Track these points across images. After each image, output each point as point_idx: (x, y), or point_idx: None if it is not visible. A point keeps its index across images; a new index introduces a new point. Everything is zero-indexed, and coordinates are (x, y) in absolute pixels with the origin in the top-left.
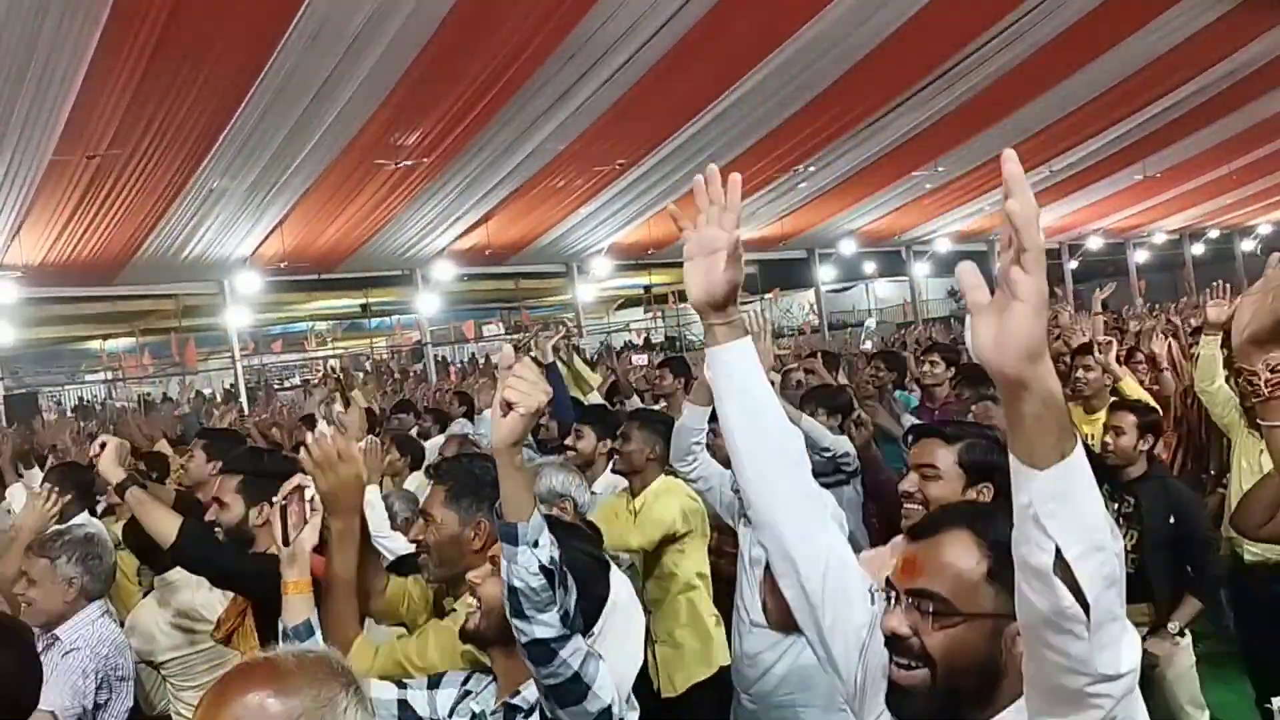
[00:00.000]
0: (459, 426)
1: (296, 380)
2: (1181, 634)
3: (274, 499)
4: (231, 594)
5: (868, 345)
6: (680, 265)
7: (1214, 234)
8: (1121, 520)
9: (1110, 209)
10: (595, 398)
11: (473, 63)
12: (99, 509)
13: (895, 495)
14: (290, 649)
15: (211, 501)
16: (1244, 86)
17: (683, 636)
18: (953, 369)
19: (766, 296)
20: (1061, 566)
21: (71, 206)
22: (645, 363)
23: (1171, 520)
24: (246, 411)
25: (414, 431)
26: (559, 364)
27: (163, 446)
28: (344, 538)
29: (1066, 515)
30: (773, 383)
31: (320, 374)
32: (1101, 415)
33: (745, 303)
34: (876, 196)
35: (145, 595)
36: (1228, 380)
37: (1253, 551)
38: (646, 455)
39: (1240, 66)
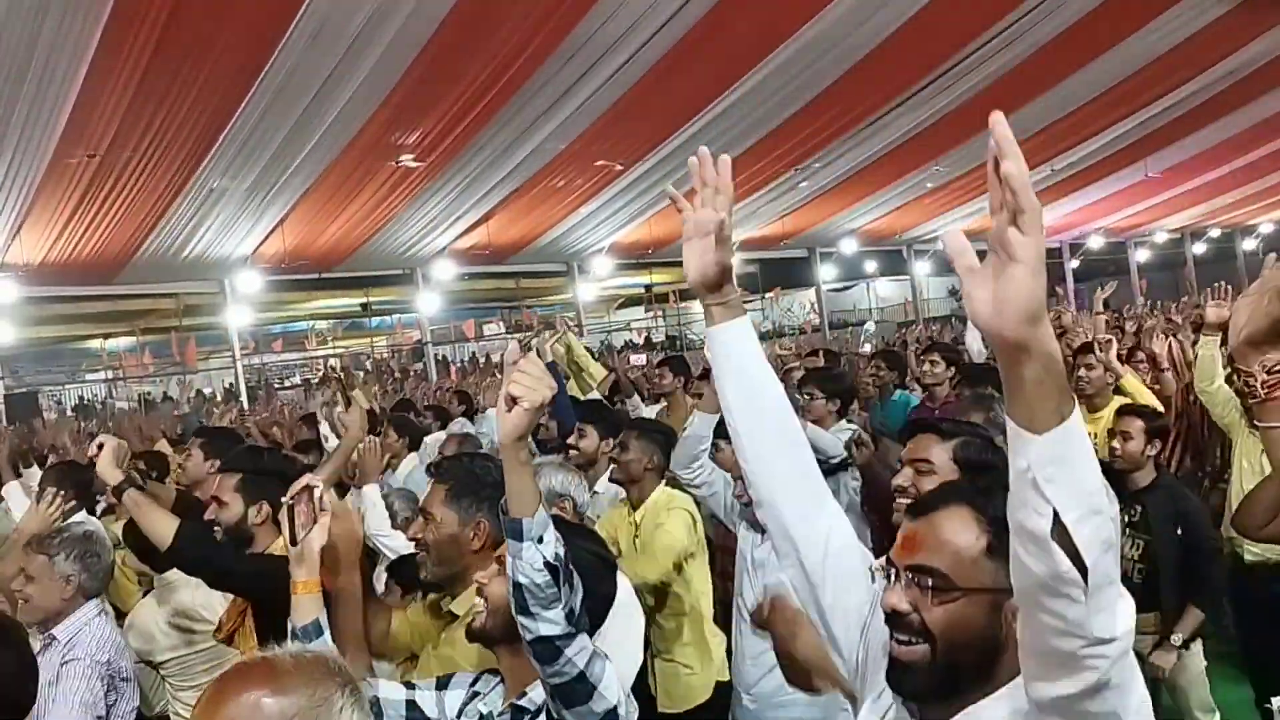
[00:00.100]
0: (459, 425)
1: (297, 379)
2: (1189, 643)
3: (282, 499)
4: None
5: (867, 348)
6: (680, 265)
7: (1215, 233)
8: (1129, 529)
9: (1111, 208)
10: (596, 395)
11: (473, 62)
12: (99, 509)
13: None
14: (288, 649)
15: (211, 500)
16: (1245, 86)
17: (684, 656)
18: (953, 369)
19: (767, 296)
20: (1059, 531)
21: (72, 206)
22: (643, 362)
23: (1179, 531)
24: (247, 410)
25: None
26: (560, 362)
27: (162, 446)
28: (345, 595)
29: (1065, 479)
30: None
31: (320, 373)
32: (1104, 414)
33: (746, 302)
34: (877, 196)
35: (145, 595)
36: (1228, 380)
37: (1253, 551)
38: (644, 465)
39: (1241, 66)
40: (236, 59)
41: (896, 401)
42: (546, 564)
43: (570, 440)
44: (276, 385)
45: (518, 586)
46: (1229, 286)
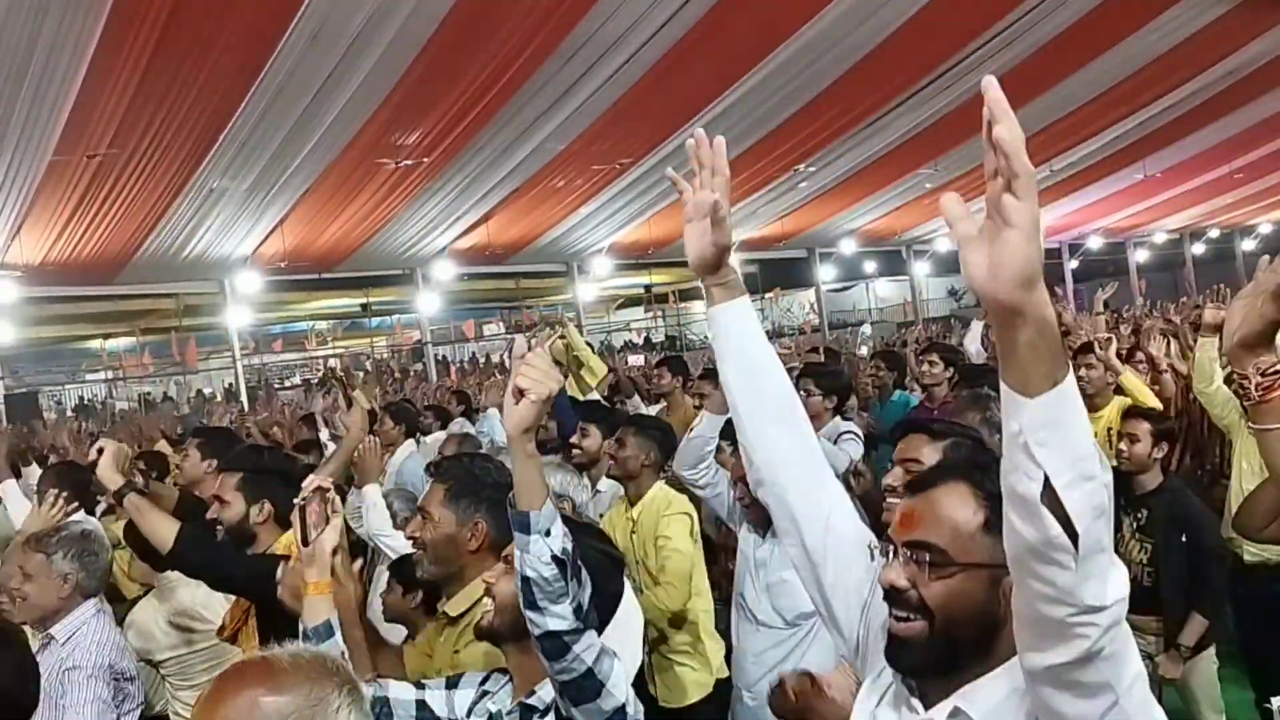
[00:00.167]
0: (458, 426)
1: (297, 380)
2: (1203, 647)
3: (280, 496)
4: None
5: (864, 350)
6: (680, 264)
7: (1214, 234)
8: (1137, 533)
9: (1110, 208)
10: (595, 395)
11: (473, 62)
12: (99, 509)
13: None
14: (287, 649)
15: (213, 499)
16: (1244, 86)
17: (683, 653)
18: (951, 369)
19: (767, 296)
20: (1050, 496)
21: (72, 206)
22: (641, 362)
23: (1183, 535)
24: (247, 410)
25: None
26: (561, 360)
27: (162, 446)
28: (352, 648)
29: (1057, 444)
30: None
31: (320, 374)
32: (1104, 413)
33: None
34: (876, 196)
35: (145, 594)
36: (1226, 381)
37: (1252, 552)
38: (642, 461)
39: (1240, 66)
40: (236, 59)
41: (896, 402)
42: (554, 558)
43: (574, 440)
44: (276, 385)
45: (525, 580)
46: (1228, 289)
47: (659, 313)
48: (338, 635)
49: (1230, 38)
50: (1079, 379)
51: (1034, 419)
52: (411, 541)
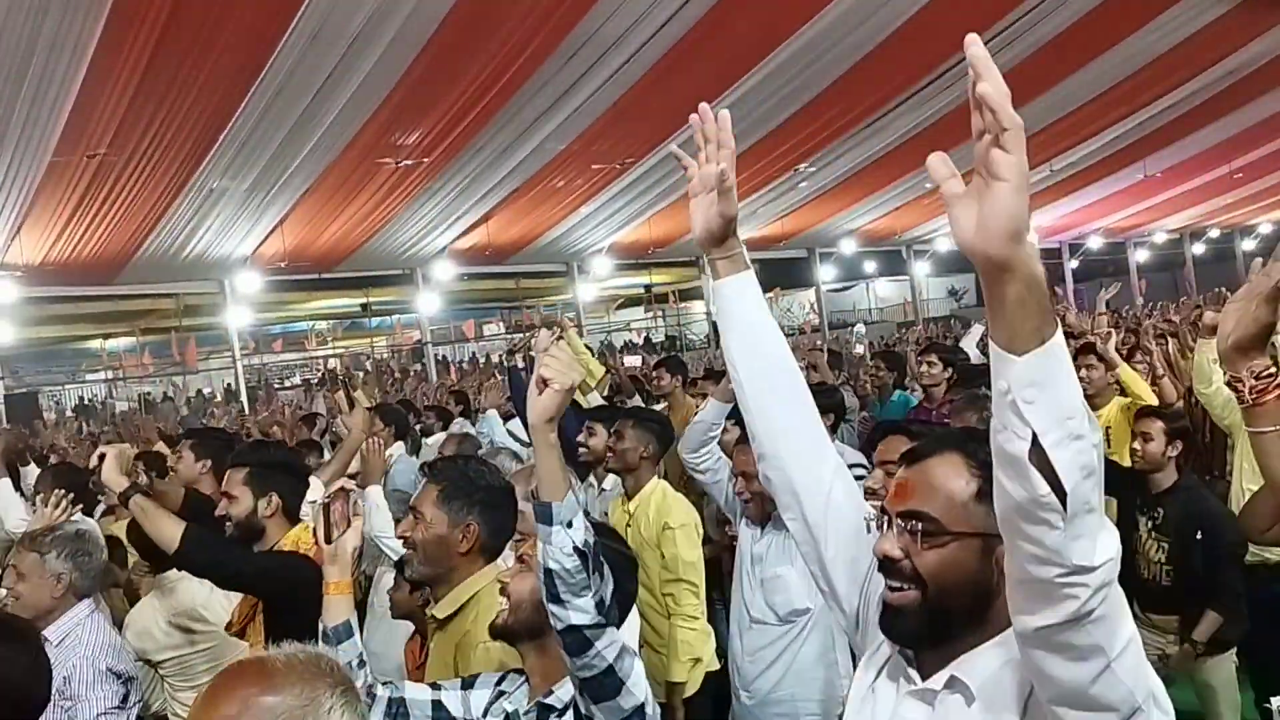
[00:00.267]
0: (458, 426)
1: (297, 380)
2: (1225, 646)
3: (288, 490)
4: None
5: (859, 349)
6: (680, 265)
7: (1214, 233)
8: (1154, 532)
9: (1111, 208)
10: (595, 398)
11: (473, 62)
12: (99, 510)
13: None
14: (285, 649)
15: (221, 496)
16: (1244, 86)
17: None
18: (950, 369)
19: (767, 296)
20: (1038, 454)
21: (72, 206)
22: (638, 363)
23: (1199, 534)
24: (247, 411)
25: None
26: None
27: (160, 447)
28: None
29: (1045, 402)
30: None
31: (320, 374)
32: (1103, 413)
33: None
34: (876, 196)
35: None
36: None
37: (1252, 552)
38: (640, 453)
39: (1240, 66)
40: (236, 59)
41: (895, 402)
42: (576, 549)
43: (579, 439)
44: (276, 386)
45: (548, 573)
46: (1229, 292)
47: (659, 313)
48: (357, 636)
49: (1230, 38)
50: (1079, 379)
51: (1022, 377)
52: (402, 541)
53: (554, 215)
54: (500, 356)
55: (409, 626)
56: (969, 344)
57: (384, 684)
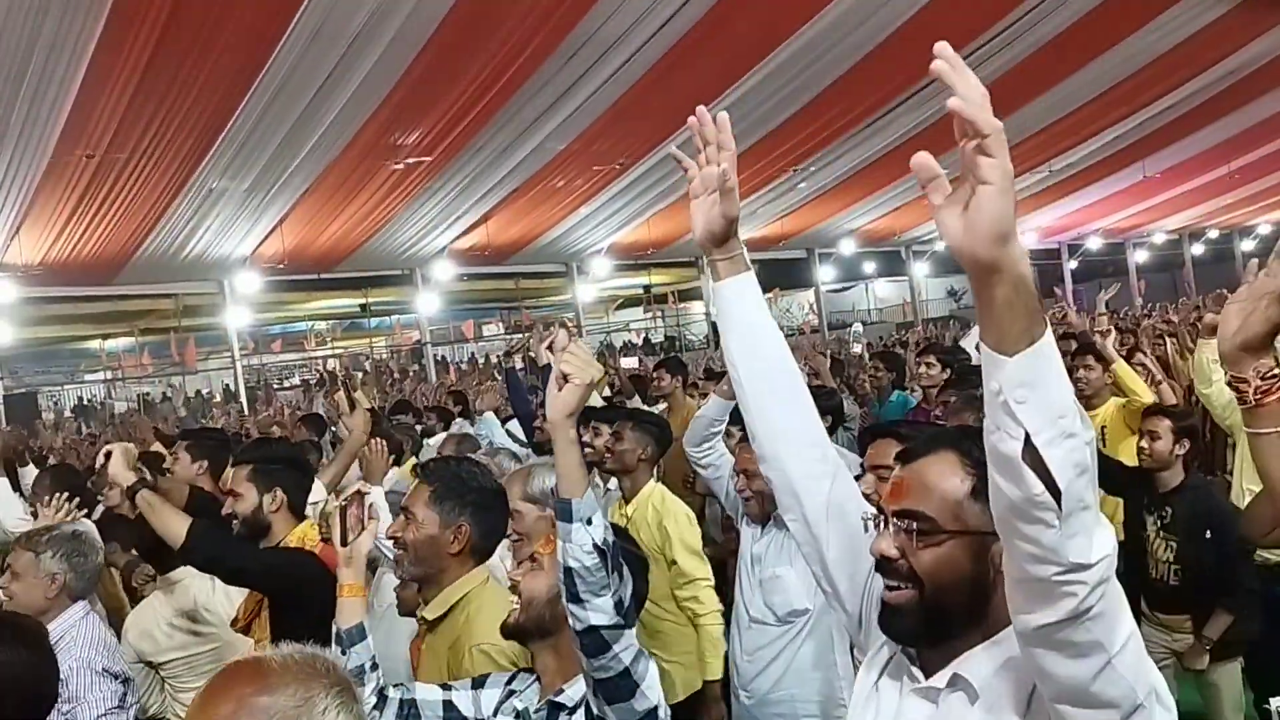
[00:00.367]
0: (458, 426)
1: (296, 380)
2: (1234, 645)
3: (290, 485)
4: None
5: (857, 348)
6: (680, 265)
7: (1213, 234)
8: (1162, 532)
9: (1110, 209)
10: (595, 399)
11: (473, 62)
12: (98, 511)
13: None
14: (283, 649)
15: (227, 494)
16: (1244, 86)
17: (674, 651)
18: (949, 370)
19: (766, 296)
20: (1031, 454)
21: (71, 206)
22: (635, 365)
23: (1208, 532)
24: (246, 411)
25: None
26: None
27: (156, 447)
28: None
29: (1036, 401)
30: None
31: (319, 374)
32: (1099, 413)
33: None
34: (876, 196)
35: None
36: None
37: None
38: (639, 455)
39: (1240, 66)
40: (236, 59)
41: (894, 402)
42: (596, 547)
43: (585, 438)
44: (276, 386)
45: (568, 571)
46: (1229, 293)
47: (658, 313)
48: (370, 639)
49: (1229, 38)
50: (1076, 380)
51: (1013, 377)
52: (393, 541)
53: (553, 215)
54: (498, 358)
55: (411, 625)
56: (969, 344)
57: (394, 686)
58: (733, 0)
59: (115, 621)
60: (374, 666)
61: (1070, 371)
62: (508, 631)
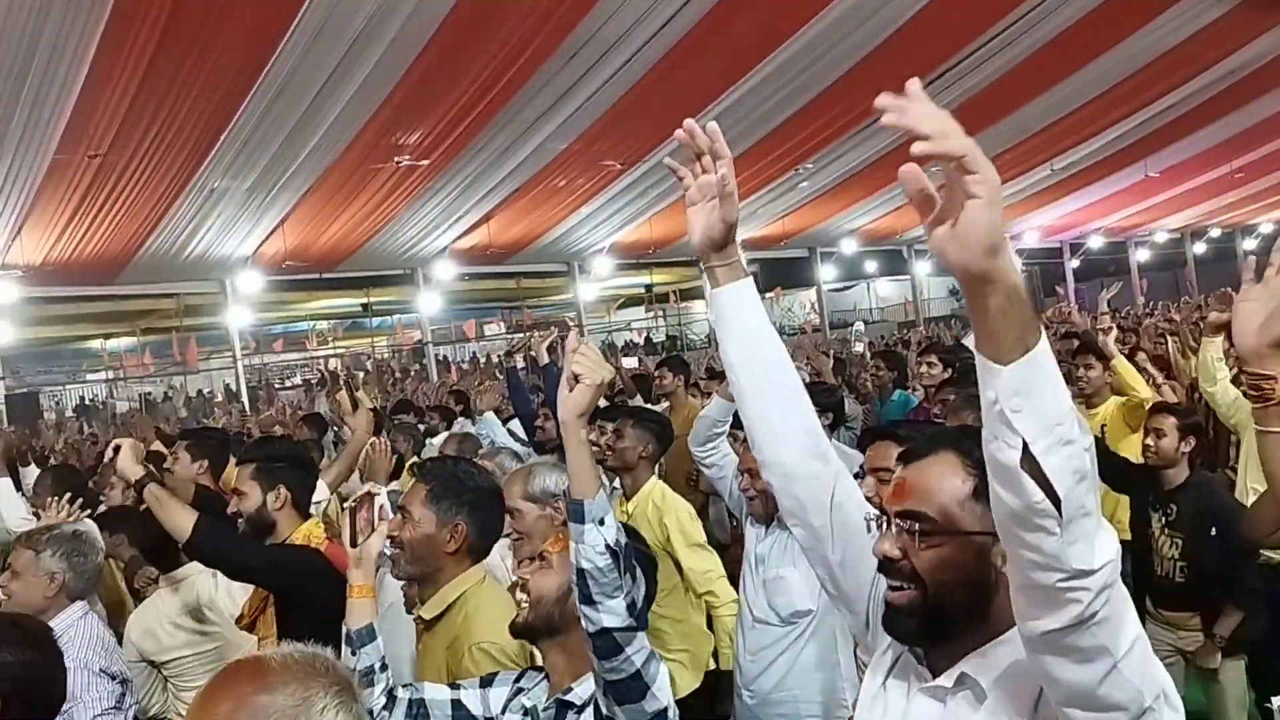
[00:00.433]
0: (459, 426)
1: (298, 380)
2: (1242, 643)
3: (295, 483)
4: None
5: (859, 346)
6: (681, 264)
7: (1215, 233)
8: (1167, 529)
9: (1111, 208)
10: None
11: (473, 62)
12: (99, 511)
13: None
14: (283, 649)
15: (232, 493)
16: (1245, 85)
17: (675, 648)
18: (950, 370)
19: (768, 296)
20: (1029, 462)
21: (73, 206)
22: (635, 365)
23: (1214, 530)
24: (247, 411)
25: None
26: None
27: (157, 447)
28: None
29: (1032, 410)
30: None
31: (320, 374)
32: (1099, 411)
33: None
34: (877, 195)
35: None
36: (1234, 381)
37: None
38: (639, 453)
39: (1241, 65)
40: (237, 59)
41: (896, 401)
42: (608, 547)
43: (591, 436)
44: (277, 386)
45: (581, 573)
46: (1234, 293)
47: (660, 312)
48: (380, 639)
49: (1231, 37)
50: (1077, 380)
51: (1008, 386)
52: (390, 540)
53: (555, 215)
54: (499, 357)
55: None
56: (971, 341)
57: (403, 686)
58: (733, 0)
59: (117, 617)
60: (384, 667)
61: (1070, 370)
62: (517, 630)
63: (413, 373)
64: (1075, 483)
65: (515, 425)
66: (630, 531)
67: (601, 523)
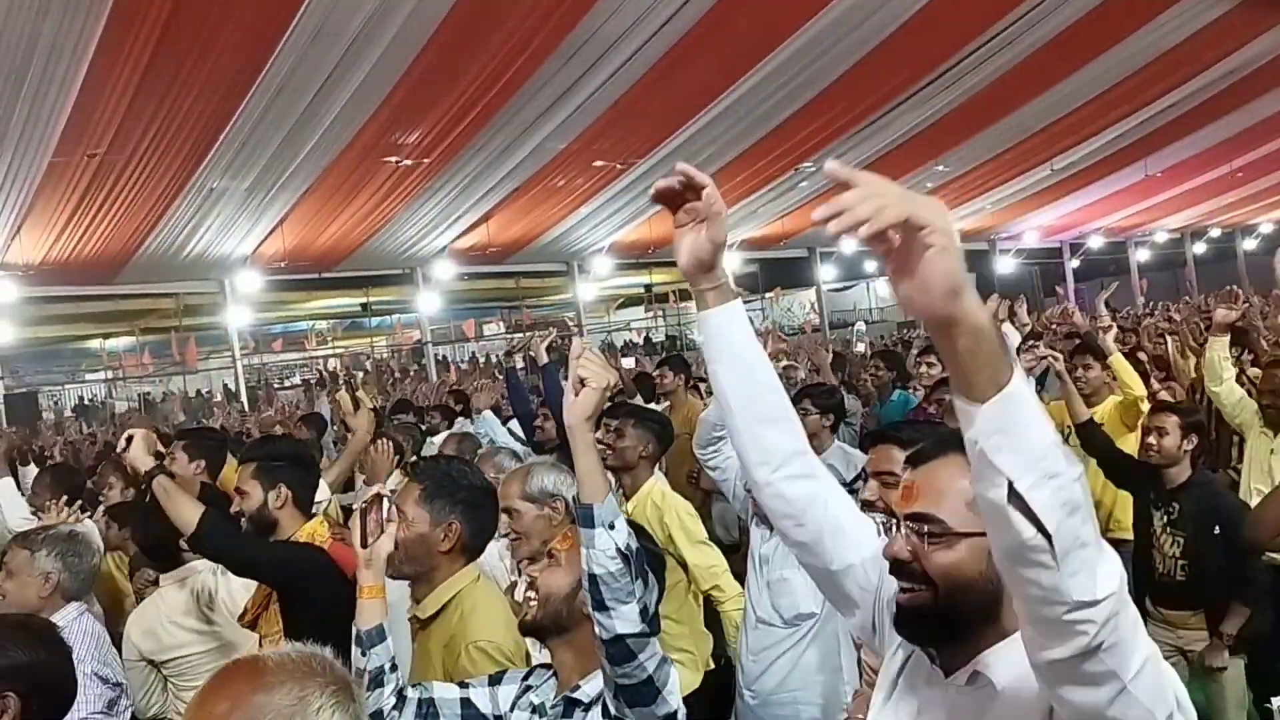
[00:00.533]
0: (460, 425)
1: (297, 379)
2: (1243, 646)
3: (298, 481)
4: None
5: (860, 346)
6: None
7: (1215, 233)
8: (1169, 527)
9: (1111, 208)
10: None
11: (473, 62)
12: (99, 511)
13: None
14: (279, 648)
15: (235, 493)
16: (1245, 85)
17: (670, 648)
18: None
19: (767, 296)
20: (1016, 499)
21: (72, 205)
22: (632, 365)
23: (1217, 528)
24: (247, 410)
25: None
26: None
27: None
28: None
29: (1013, 446)
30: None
31: (319, 374)
32: (1097, 411)
33: (747, 301)
34: None
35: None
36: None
37: None
38: (640, 453)
39: (1241, 65)
40: (236, 59)
41: (895, 401)
42: (619, 552)
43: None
44: (276, 385)
45: (593, 579)
46: (1240, 290)
47: (659, 312)
48: (390, 640)
49: (1231, 36)
50: (1075, 379)
51: (986, 425)
52: None
53: (554, 215)
54: (498, 357)
55: None
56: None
57: (413, 686)
58: (732, 0)
59: (116, 615)
60: (393, 668)
61: (1070, 370)
62: (525, 628)
63: (412, 373)
64: (1066, 515)
65: (515, 425)
66: (635, 527)
67: (612, 527)
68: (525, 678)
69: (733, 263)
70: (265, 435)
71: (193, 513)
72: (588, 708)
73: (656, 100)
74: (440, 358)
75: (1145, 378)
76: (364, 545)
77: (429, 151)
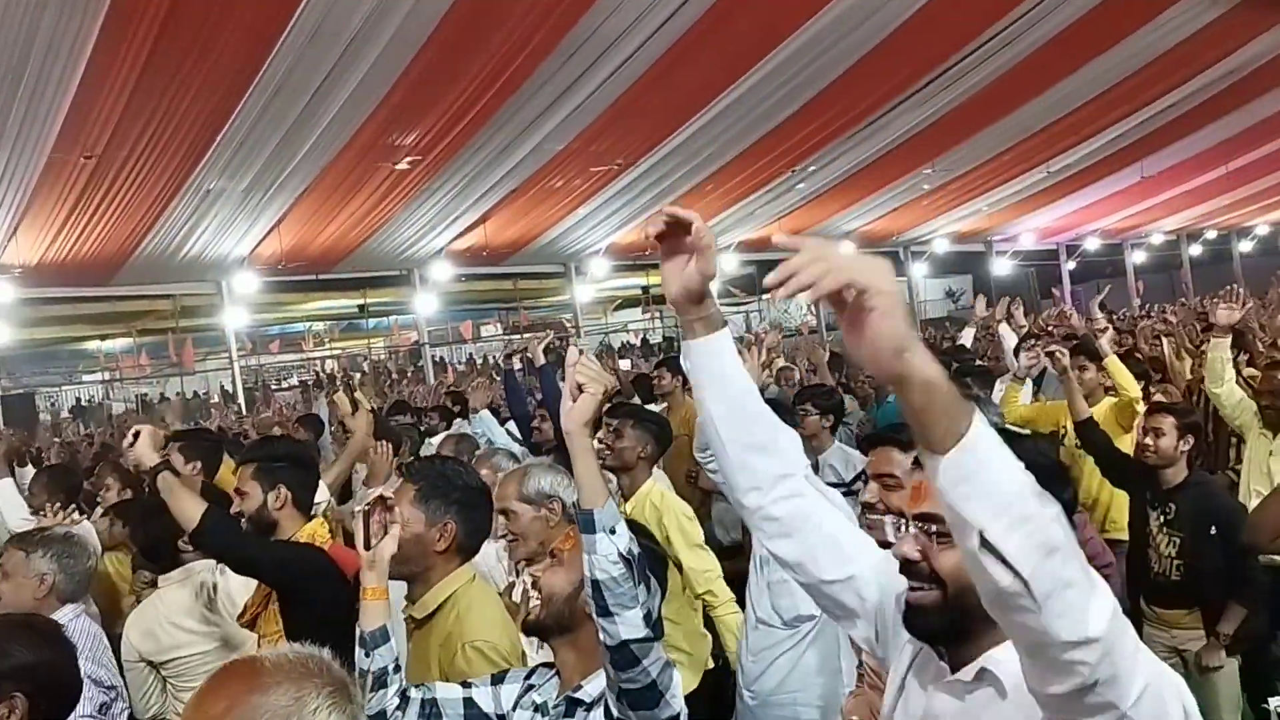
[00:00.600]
0: (458, 427)
1: (294, 380)
2: (1241, 645)
3: (298, 481)
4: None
5: None
6: None
7: (1211, 235)
8: (1165, 527)
9: (1108, 209)
10: None
11: (471, 62)
12: (98, 512)
13: None
14: (277, 649)
15: (235, 494)
16: (1242, 87)
17: (669, 648)
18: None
19: (765, 297)
20: (988, 547)
21: (68, 206)
22: (628, 367)
23: (1214, 529)
24: (244, 412)
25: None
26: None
27: None
28: None
29: (979, 494)
30: (763, 388)
31: (317, 375)
32: (1093, 412)
33: (745, 303)
34: (875, 197)
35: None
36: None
37: None
38: (638, 453)
39: (1239, 66)
40: (234, 59)
41: (892, 402)
42: (621, 556)
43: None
44: (274, 387)
45: (596, 585)
46: (1239, 289)
47: (656, 314)
48: (393, 641)
49: (1229, 38)
50: (1073, 379)
51: (949, 476)
52: None
53: (552, 216)
54: (495, 359)
55: None
56: (968, 338)
57: (416, 686)
58: (731, 0)
59: (114, 614)
60: (397, 669)
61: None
62: (528, 628)
63: (409, 374)
64: (1043, 558)
65: (513, 426)
66: (635, 527)
67: (613, 531)
68: (527, 677)
69: (730, 263)
70: (265, 436)
71: (195, 509)
72: (590, 707)
73: (655, 101)
74: (437, 359)
75: (1145, 377)
76: (367, 548)
77: (426, 152)
